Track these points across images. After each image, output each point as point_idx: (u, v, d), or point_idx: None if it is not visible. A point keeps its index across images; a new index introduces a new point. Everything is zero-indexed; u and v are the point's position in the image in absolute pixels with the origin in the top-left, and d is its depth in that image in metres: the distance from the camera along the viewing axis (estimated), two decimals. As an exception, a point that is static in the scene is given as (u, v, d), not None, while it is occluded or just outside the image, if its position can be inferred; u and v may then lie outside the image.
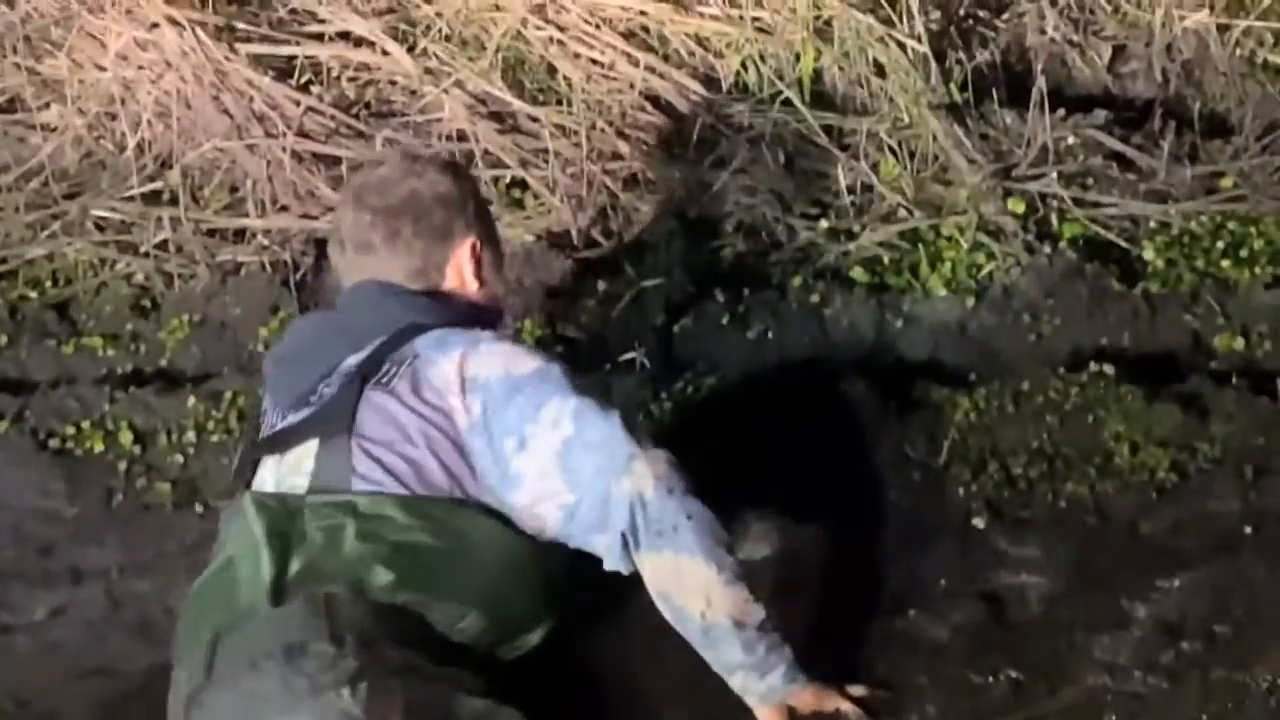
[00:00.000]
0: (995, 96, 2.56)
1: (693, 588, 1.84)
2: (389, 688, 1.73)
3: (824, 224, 2.52)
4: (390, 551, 1.84)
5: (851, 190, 2.56)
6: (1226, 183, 2.49)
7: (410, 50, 2.61)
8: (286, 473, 1.95)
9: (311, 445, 1.95)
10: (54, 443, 2.47)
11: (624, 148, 2.55)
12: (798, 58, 2.70)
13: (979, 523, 2.20)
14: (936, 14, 2.57)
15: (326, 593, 1.80)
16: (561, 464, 1.85)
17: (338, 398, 1.97)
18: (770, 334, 2.48)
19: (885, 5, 2.61)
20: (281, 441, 1.97)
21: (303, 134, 2.66)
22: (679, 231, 2.61)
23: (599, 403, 1.90)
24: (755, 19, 2.63)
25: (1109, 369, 2.36)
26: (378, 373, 1.98)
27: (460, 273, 2.10)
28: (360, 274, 2.06)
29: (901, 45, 2.60)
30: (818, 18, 2.62)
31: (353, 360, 1.99)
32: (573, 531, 1.84)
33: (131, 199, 2.67)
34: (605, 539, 1.83)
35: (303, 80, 2.68)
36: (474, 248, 2.12)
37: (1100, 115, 2.53)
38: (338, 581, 1.81)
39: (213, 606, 1.87)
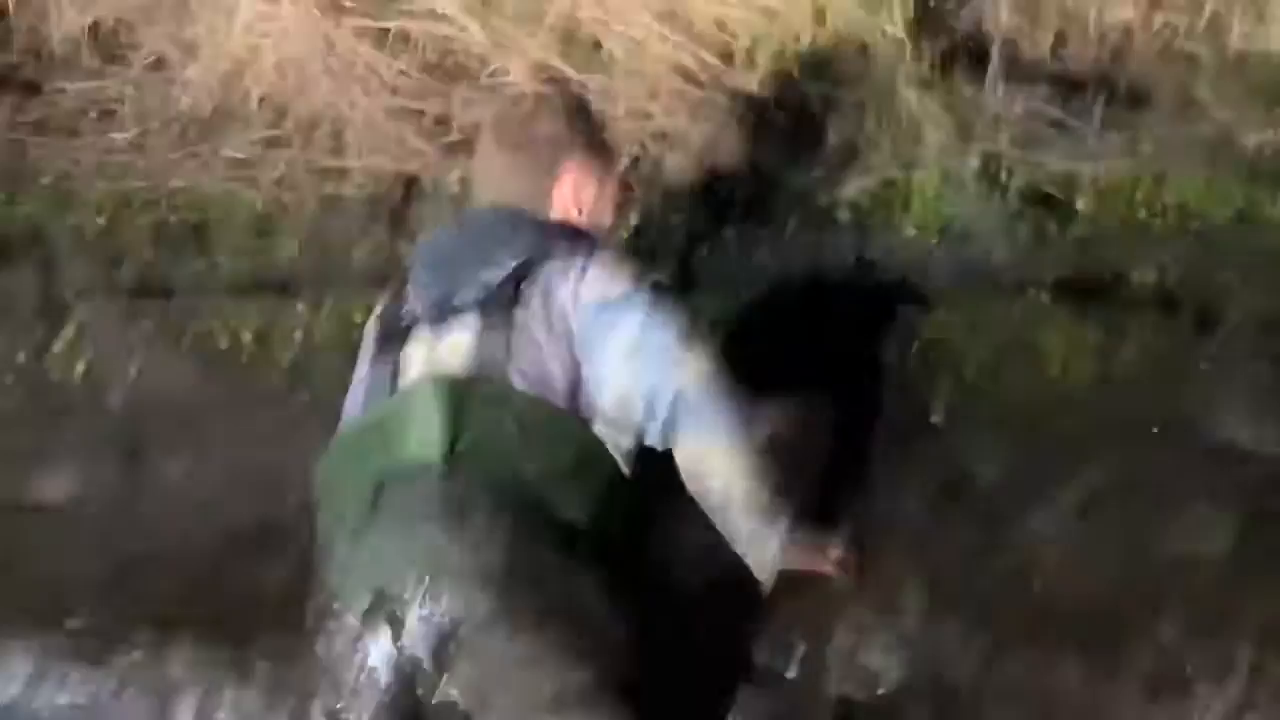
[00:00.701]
0: (958, 73, 2.48)
1: (714, 470, 1.75)
2: (534, 566, 1.63)
3: (817, 173, 2.42)
4: (543, 448, 1.71)
5: (840, 147, 2.45)
6: (1145, 147, 2.40)
7: (481, 25, 2.50)
8: (443, 355, 1.78)
9: (468, 336, 1.78)
10: (189, 340, 2.41)
11: (654, 109, 2.46)
12: (797, 38, 2.58)
13: (937, 419, 2.13)
14: (911, 4, 2.45)
15: (489, 469, 1.68)
16: (630, 369, 1.74)
17: (495, 296, 1.79)
18: (772, 262, 2.38)
19: None
20: (435, 328, 1.80)
21: (394, 92, 2.57)
22: (697, 178, 2.51)
23: (667, 316, 1.78)
24: (765, 6, 2.52)
25: (1045, 296, 2.31)
26: (516, 293, 1.81)
27: (564, 201, 1.93)
28: (488, 197, 1.93)
29: (883, 31, 2.49)
30: (816, 6, 2.51)
31: (491, 275, 1.81)
32: (635, 425, 1.75)
33: (254, 142, 2.59)
34: (654, 425, 1.74)
35: (394, 48, 2.58)
36: (575, 180, 1.94)
37: (1043, 89, 2.45)
38: (497, 462, 1.69)
39: (377, 453, 1.73)
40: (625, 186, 2.15)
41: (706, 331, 1.84)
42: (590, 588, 1.63)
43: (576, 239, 1.88)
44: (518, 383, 1.72)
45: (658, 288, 1.82)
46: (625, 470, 1.73)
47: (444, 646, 1.56)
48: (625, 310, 1.76)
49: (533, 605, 1.57)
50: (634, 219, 2.46)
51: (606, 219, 2.03)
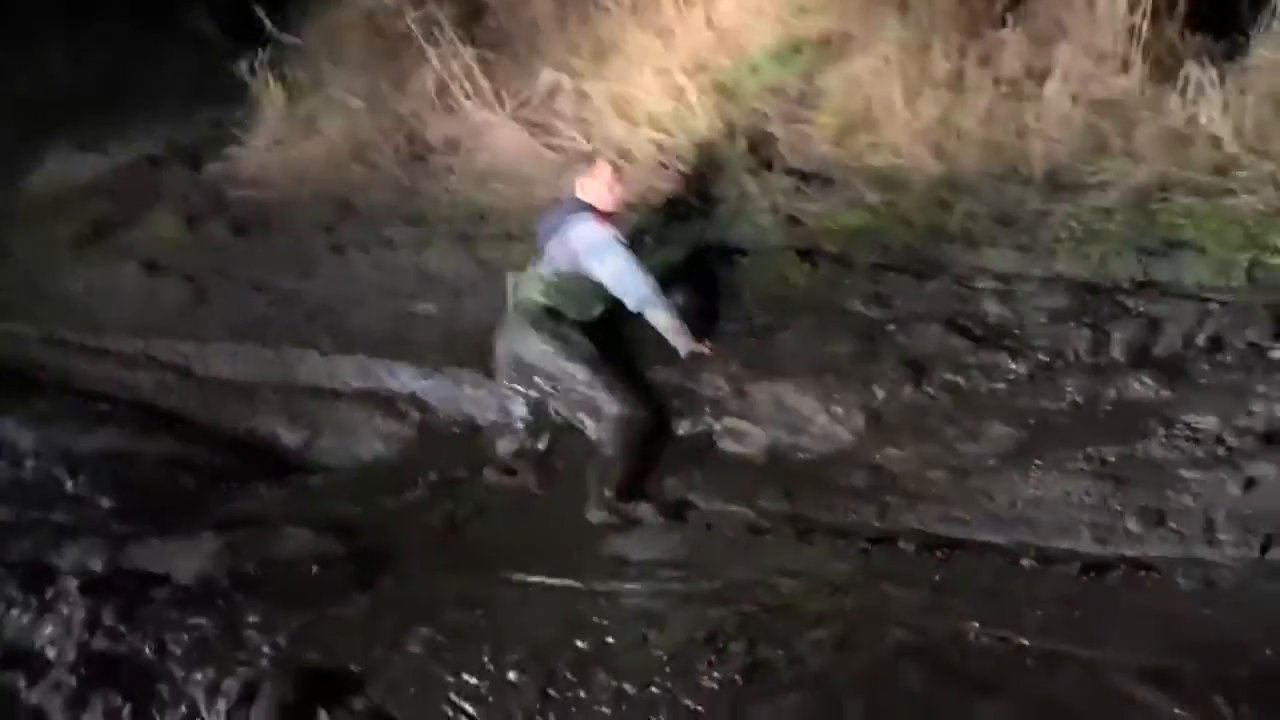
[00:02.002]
0: (766, 168, 6.06)
1: (652, 319, 4.74)
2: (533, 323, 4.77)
3: (719, 211, 6.05)
4: (544, 286, 4.78)
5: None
6: (833, 200, 5.89)
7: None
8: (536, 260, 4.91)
9: (540, 256, 4.87)
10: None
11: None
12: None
13: (748, 295, 5.59)
14: (748, 140, 6.05)
15: (524, 306, 4.78)
16: (599, 274, 4.76)
17: (549, 244, 4.82)
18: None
19: (733, 136, 6.12)
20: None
21: (552, 163, 6.38)
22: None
23: (620, 260, 4.69)
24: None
25: (790, 251, 5.74)
26: (562, 230, 4.77)
27: (582, 191, 4.91)
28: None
29: (735, 152, 6.07)
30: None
31: (558, 224, 4.81)
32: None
33: (500, 183, 6.48)
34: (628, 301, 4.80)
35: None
36: (585, 183, 4.90)
37: (798, 175, 5.99)
38: (527, 301, 4.76)
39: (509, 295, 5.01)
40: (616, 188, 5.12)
41: (631, 258, 5.10)
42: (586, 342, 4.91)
43: (596, 212, 4.84)
44: (540, 269, 4.86)
45: (613, 241, 5.03)
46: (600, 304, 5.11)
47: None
48: (599, 248, 4.67)
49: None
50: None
51: (613, 203, 4.90)
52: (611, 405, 4.53)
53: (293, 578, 3.83)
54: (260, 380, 5.47)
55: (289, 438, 5.19)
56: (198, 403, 5.42)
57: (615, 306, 4.84)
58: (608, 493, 4.26)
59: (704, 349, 4.78)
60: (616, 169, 5.13)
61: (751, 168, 6.25)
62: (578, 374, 4.61)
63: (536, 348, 4.70)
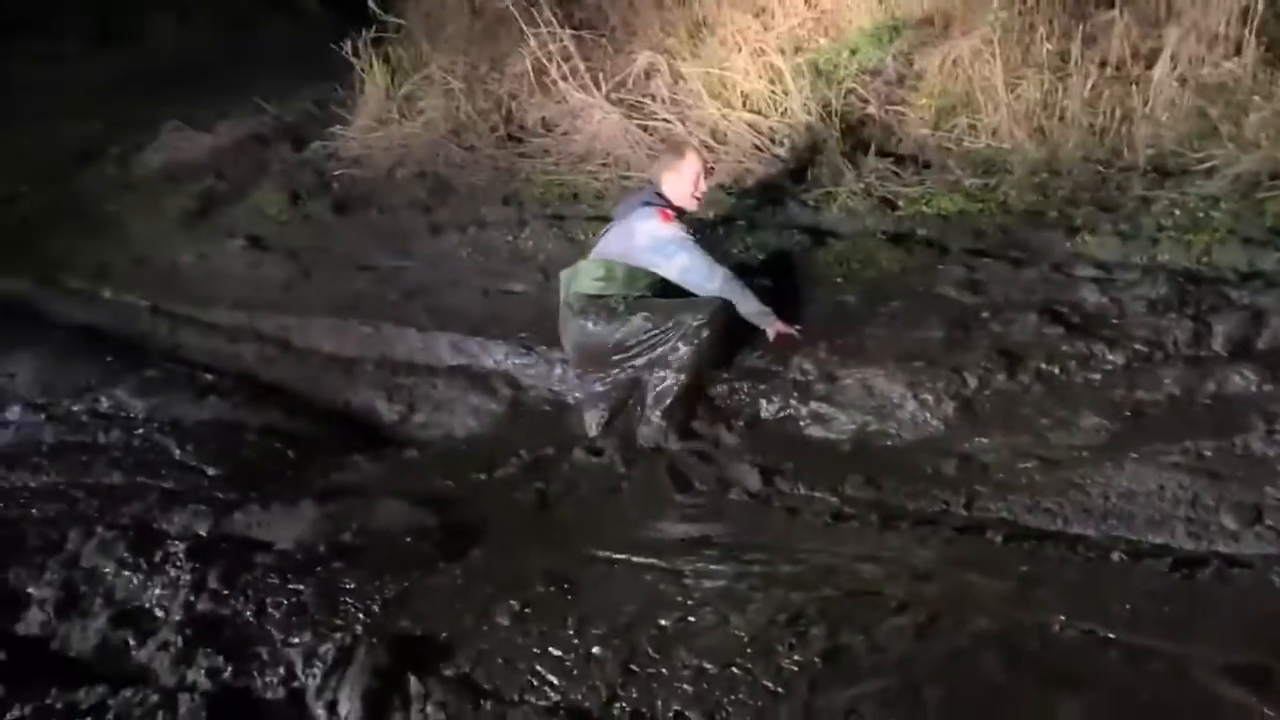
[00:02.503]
0: (861, 151, 6.03)
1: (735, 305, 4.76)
2: (591, 318, 4.75)
3: (810, 195, 6.06)
4: (591, 278, 4.78)
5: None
6: (928, 184, 5.84)
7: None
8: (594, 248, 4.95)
9: (598, 244, 4.91)
10: None
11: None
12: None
13: (839, 280, 5.31)
14: (842, 123, 6.03)
15: (570, 300, 4.80)
16: (665, 271, 4.78)
17: (611, 230, 4.89)
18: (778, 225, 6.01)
19: (827, 118, 6.10)
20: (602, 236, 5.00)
21: (649, 149, 6.43)
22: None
23: (687, 255, 4.68)
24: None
25: (883, 237, 5.63)
26: (628, 219, 4.82)
27: (662, 183, 4.87)
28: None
29: (830, 134, 6.07)
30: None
31: (627, 212, 4.84)
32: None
33: (596, 165, 6.54)
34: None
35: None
36: (667, 175, 4.86)
37: (891, 159, 5.94)
38: (574, 296, 4.78)
39: (565, 286, 4.91)
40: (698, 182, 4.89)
41: (699, 253, 4.73)
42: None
43: (666, 204, 4.78)
44: (595, 255, 4.83)
45: (679, 237, 4.73)
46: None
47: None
48: (663, 245, 4.64)
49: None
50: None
51: (685, 196, 4.82)
52: (676, 335, 4.63)
53: (387, 548, 3.92)
54: (359, 355, 5.60)
55: (386, 412, 5.29)
56: (299, 376, 5.56)
57: (667, 287, 4.83)
58: (657, 414, 4.54)
59: (791, 331, 4.80)
60: (705, 163, 5.04)
61: (846, 150, 6.24)
62: (636, 334, 4.68)
63: (591, 332, 4.76)
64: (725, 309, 4.72)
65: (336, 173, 7.35)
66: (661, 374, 4.66)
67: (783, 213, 6.01)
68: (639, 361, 4.72)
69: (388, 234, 6.59)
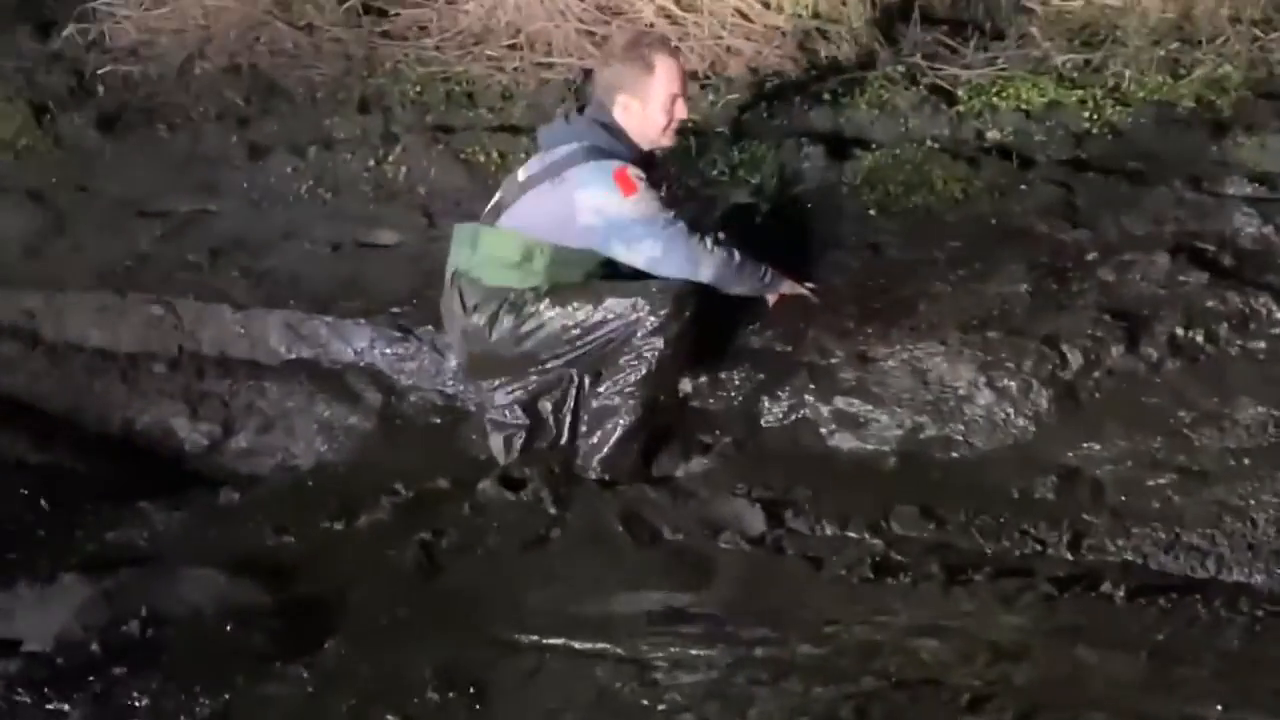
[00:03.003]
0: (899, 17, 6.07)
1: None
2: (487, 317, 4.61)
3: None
4: (517, 264, 4.60)
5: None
6: (1001, 63, 5.88)
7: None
8: (492, 203, 4.79)
9: (496, 199, 4.77)
10: (463, 157, 6.19)
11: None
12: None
13: (872, 212, 5.31)
14: None
15: (462, 285, 4.66)
16: (627, 259, 4.62)
17: (534, 188, 4.64)
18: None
19: None
20: (502, 186, 4.85)
21: (580, 21, 6.39)
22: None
23: (660, 241, 4.52)
24: None
25: (935, 145, 5.60)
26: (562, 180, 4.57)
27: (617, 111, 4.64)
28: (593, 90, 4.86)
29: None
30: None
31: (559, 152, 4.63)
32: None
33: (502, 47, 6.53)
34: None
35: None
36: (625, 104, 4.62)
37: (944, 28, 5.99)
38: (467, 275, 4.67)
39: (450, 263, 4.78)
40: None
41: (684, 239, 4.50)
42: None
43: (621, 145, 4.59)
44: (503, 223, 4.65)
45: (638, 207, 4.49)
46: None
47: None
48: (623, 228, 4.51)
49: None
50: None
51: (650, 132, 4.64)
52: (623, 338, 4.60)
53: (196, 642, 3.84)
54: (144, 350, 5.54)
55: (189, 435, 5.26)
56: (53, 384, 5.49)
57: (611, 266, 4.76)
58: (599, 435, 4.63)
59: (802, 290, 4.80)
60: (684, 73, 4.83)
61: (877, 16, 6.24)
62: (555, 344, 4.64)
63: (490, 339, 4.69)
64: (698, 291, 4.66)
65: (102, 70, 7.25)
66: (607, 388, 4.65)
67: (784, 113, 6.03)
68: (565, 360, 4.70)
69: (183, 162, 6.53)
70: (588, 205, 4.58)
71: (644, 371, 4.62)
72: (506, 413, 4.76)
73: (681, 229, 4.60)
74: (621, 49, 4.81)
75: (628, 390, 4.63)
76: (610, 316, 4.60)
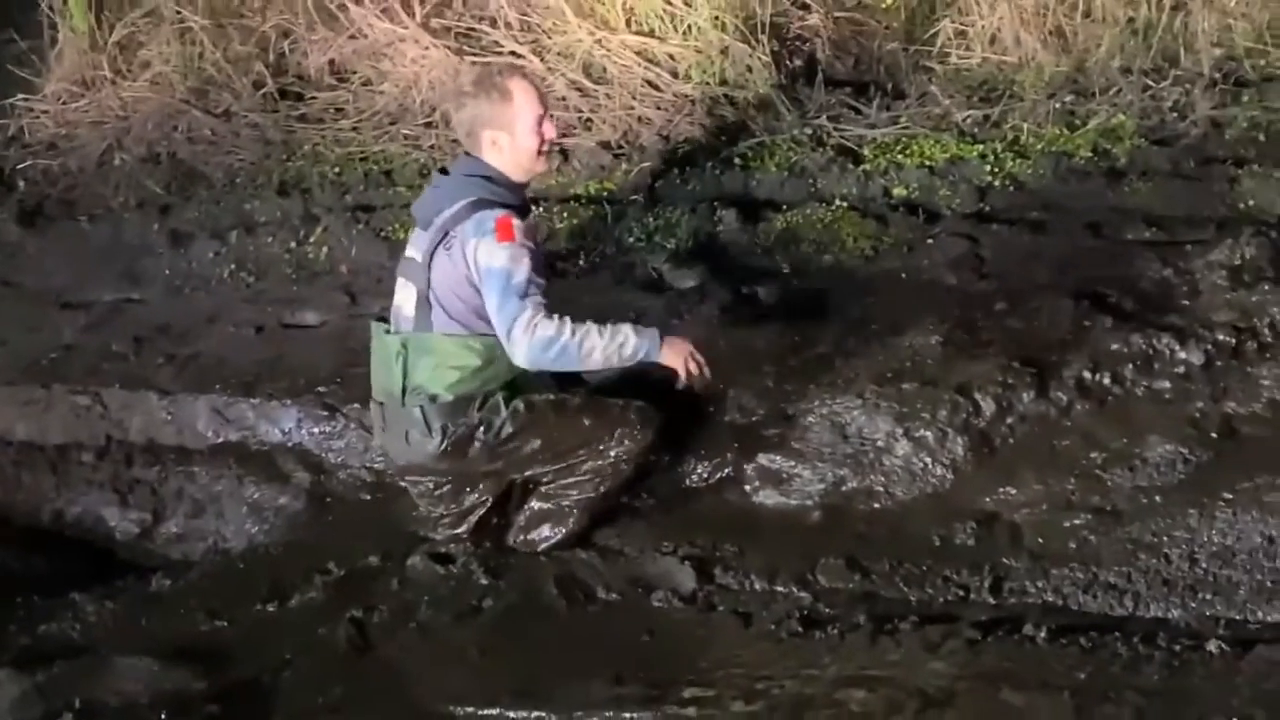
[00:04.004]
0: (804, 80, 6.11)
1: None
2: (454, 441, 4.37)
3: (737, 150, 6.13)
4: (453, 377, 4.36)
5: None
6: (904, 121, 5.93)
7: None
8: (400, 303, 4.47)
9: (411, 291, 4.40)
10: (386, 234, 6.25)
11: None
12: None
13: (786, 271, 5.49)
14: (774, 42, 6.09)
15: (421, 403, 4.35)
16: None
17: (425, 258, 4.35)
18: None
19: (750, 36, 6.16)
20: (402, 270, 4.50)
21: None
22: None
23: (516, 295, 4.16)
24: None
25: (844, 204, 5.68)
26: (445, 238, 4.33)
27: (486, 149, 4.38)
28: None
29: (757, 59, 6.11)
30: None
31: (444, 215, 4.34)
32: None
33: (417, 125, 6.52)
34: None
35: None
36: (493, 139, 4.36)
37: (847, 90, 6.04)
38: (424, 391, 4.36)
39: (379, 381, 4.52)
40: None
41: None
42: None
43: (503, 189, 4.34)
44: (438, 327, 4.31)
45: (517, 265, 4.13)
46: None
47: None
48: (494, 281, 4.13)
49: None
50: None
51: (524, 164, 4.38)
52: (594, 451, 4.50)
53: (131, 732, 3.83)
54: (71, 441, 5.47)
55: (119, 523, 5.19)
56: (-19, 478, 5.45)
57: None
58: (543, 540, 4.49)
59: (683, 343, 4.43)
60: (543, 94, 4.61)
61: (783, 81, 6.29)
62: (533, 463, 4.50)
63: (480, 460, 4.51)
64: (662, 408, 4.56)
65: (21, 165, 7.24)
66: (557, 489, 4.53)
67: (697, 178, 6.07)
68: (528, 474, 4.58)
69: (105, 252, 6.50)
70: (474, 258, 4.30)
71: (605, 487, 4.52)
72: (442, 483, 4.61)
73: (539, 304, 4.24)
74: (472, 85, 4.51)
75: (581, 499, 4.51)
76: (590, 440, 4.49)
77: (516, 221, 4.33)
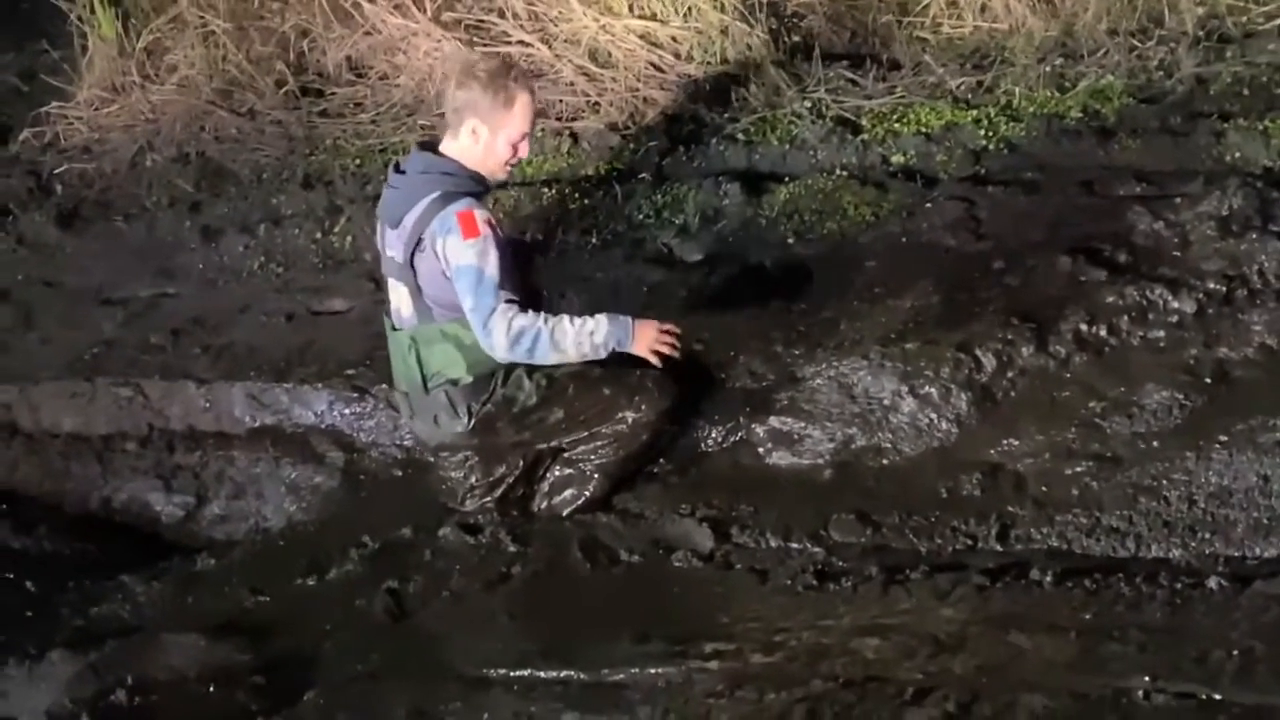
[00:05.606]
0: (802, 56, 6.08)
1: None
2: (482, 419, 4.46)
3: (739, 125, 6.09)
4: (469, 359, 4.39)
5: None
6: (900, 91, 5.90)
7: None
8: (396, 303, 4.52)
9: (404, 290, 4.45)
10: None
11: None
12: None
13: (791, 240, 5.35)
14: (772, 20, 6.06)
15: (445, 388, 4.43)
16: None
17: (405, 259, 4.36)
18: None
19: (749, 15, 6.13)
20: (388, 270, 4.54)
21: None
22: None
23: (488, 291, 4.19)
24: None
25: (844, 173, 5.64)
26: (419, 242, 4.33)
27: (463, 133, 4.35)
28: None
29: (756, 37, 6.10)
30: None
31: (410, 218, 4.32)
32: None
33: (434, 116, 6.51)
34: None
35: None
36: (474, 129, 4.33)
37: (844, 63, 6.01)
38: (445, 376, 4.43)
39: (401, 378, 4.59)
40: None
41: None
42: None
43: (469, 181, 4.33)
44: (437, 320, 4.37)
45: (482, 261, 4.14)
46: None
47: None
48: (466, 277, 4.16)
49: None
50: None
51: (499, 162, 4.37)
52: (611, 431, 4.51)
53: (182, 704, 3.84)
54: (116, 431, 5.48)
55: (164, 507, 5.20)
56: (31, 470, 5.43)
57: None
58: (565, 505, 4.52)
59: (652, 328, 4.40)
60: (523, 78, 4.51)
61: (782, 57, 6.26)
62: (552, 435, 4.53)
63: (509, 432, 4.55)
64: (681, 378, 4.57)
65: (58, 170, 7.20)
66: (580, 453, 4.55)
67: (702, 154, 6.03)
68: (554, 444, 4.59)
69: (140, 250, 6.48)
70: (444, 254, 4.32)
71: (625, 452, 4.54)
72: (470, 458, 4.63)
73: (510, 298, 4.27)
74: (486, 74, 4.36)
75: (603, 464, 4.53)
76: (610, 408, 4.51)
77: (478, 212, 4.35)
